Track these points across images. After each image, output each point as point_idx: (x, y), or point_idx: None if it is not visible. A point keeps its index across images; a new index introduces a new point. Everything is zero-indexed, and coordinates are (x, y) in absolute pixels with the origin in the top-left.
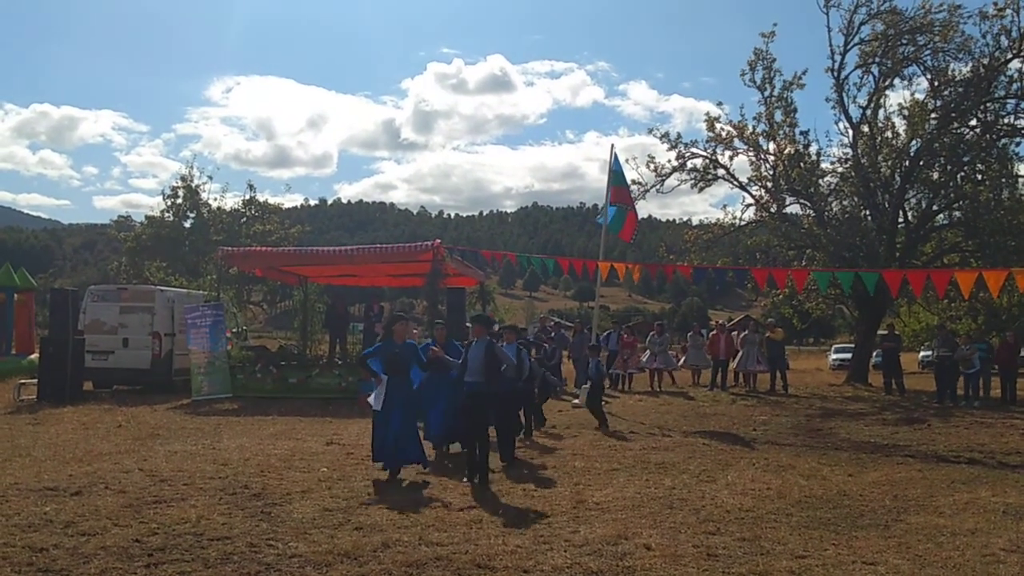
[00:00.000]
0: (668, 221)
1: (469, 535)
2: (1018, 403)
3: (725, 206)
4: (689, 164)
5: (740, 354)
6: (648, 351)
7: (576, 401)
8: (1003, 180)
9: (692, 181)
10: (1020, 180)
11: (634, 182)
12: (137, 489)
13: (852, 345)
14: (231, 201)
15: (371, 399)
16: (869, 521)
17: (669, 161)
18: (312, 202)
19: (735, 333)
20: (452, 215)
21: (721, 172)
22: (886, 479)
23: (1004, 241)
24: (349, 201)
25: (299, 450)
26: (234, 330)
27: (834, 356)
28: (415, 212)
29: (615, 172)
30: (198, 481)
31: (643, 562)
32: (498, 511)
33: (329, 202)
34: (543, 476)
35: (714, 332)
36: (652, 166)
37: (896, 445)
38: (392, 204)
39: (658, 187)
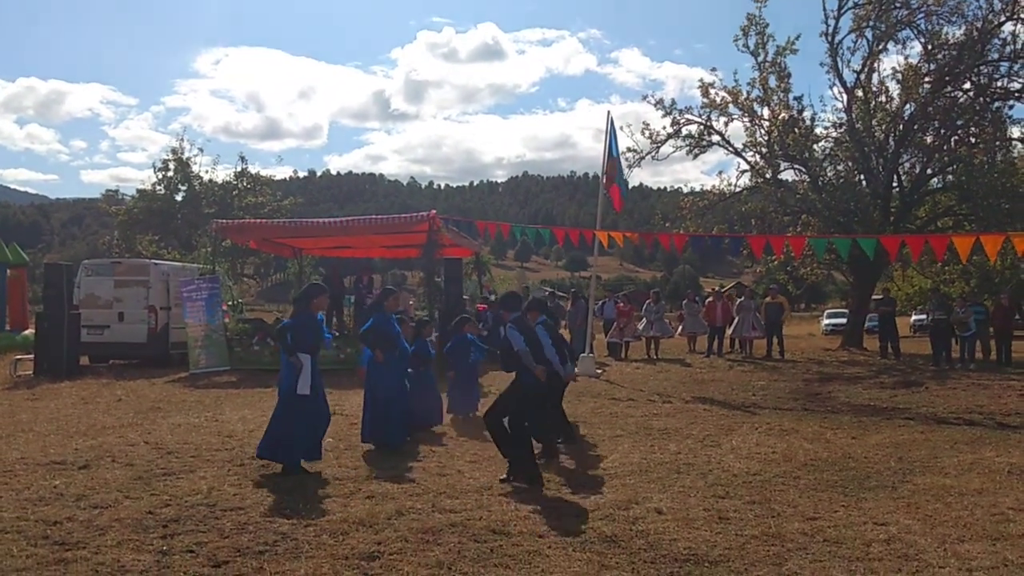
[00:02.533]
0: (660, 189)
1: (481, 502)
2: (1014, 364)
3: (720, 172)
4: (684, 131)
5: (736, 320)
6: (644, 319)
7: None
8: (997, 143)
9: (687, 148)
10: (1013, 143)
11: (629, 149)
12: (144, 462)
13: (845, 310)
14: (222, 173)
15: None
16: (876, 483)
17: (664, 128)
18: (302, 174)
19: (730, 300)
20: (442, 185)
21: (716, 138)
22: (890, 441)
23: (998, 204)
24: (339, 173)
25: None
26: (230, 303)
27: (827, 321)
28: (405, 183)
29: (611, 142)
30: (205, 453)
31: (656, 526)
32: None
33: (319, 174)
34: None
35: (710, 299)
36: (647, 133)
37: (896, 408)
38: (382, 175)
39: (653, 154)
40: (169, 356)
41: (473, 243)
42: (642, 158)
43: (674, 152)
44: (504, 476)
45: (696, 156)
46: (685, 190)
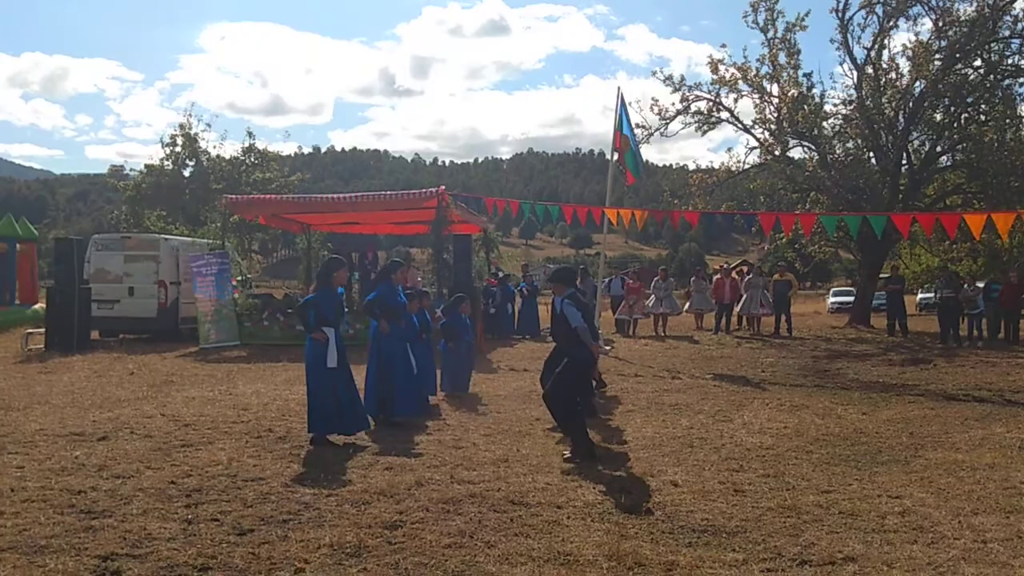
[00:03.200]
0: (666, 166)
1: (498, 474)
2: (1021, 342)
3: (729, 149)
4: (693, 107)
5: (744, 297)
6: (653, 296)
7: None
8: (1007, 121)
9: (696, 124)
10: (1023, 121)
11: (638, 126)
12: (162, 434)
13: (851, 289)
14: (230, 149)
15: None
16: (888, 457)
17: (673, 104)
18: (306, 150)
19: (739, 277)
20: (447, 162)
21: (725, 115)
22: (900, 417)
23: (1007, 182)
24: (343, 149)
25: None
26: (239, 278)
27: (833, 299)
28: (410, 160)
29: (620, 117)
30: (222, 425)
31: (672, 498)
32: (521, 453)
33: (323, 150)
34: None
35: (718, 276)
36: (656, 109)
37: (905, 385)
38: (387, 152)
39: (662, 130)
40: (179, 331)
41: (481, 220)
42: (651, 135)
43: (683, 129)
44: (568, 455)
45: (705, 133)
46: (691, 167)
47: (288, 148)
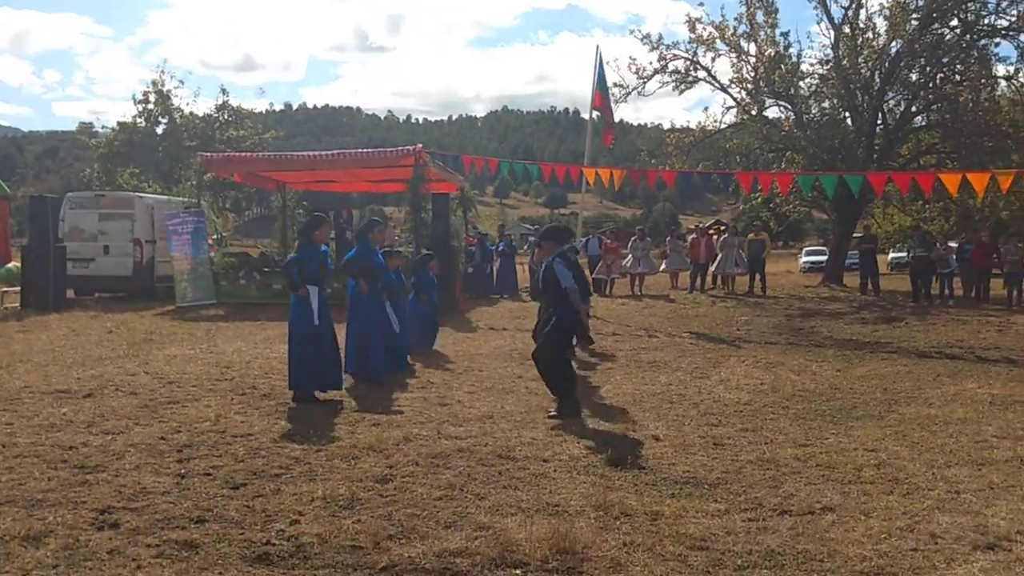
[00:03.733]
0: (640, 125)
1: (484, 429)
2: (991, 301)
3: (705, 108)
4: (670, 66)
5: (719, 257)
6: (630, 256)
7: None
8: (982, 81)
9: (673, 83)
10: (998, 81)
11: (615, 84)
12: (147, 391)
13: (823, 248)
14: (203, 106)
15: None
16: (863, 412)
17: (650, 63)
18: (278, 107)
19: (715, 236)
20: (421, 120)
21: (702, 74)
22: (874, 373)
23: (981, 142)
24: (316, 106)
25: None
26: (215, 237)
27: (805, 259)
28: (383, 117)
29: (599, 76)
30: (206, 383)
31: (655, 451)
32: (505, 409)
33: (295, 107)
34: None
35: (694, 236)
36: (634, 68)
37: (878, 342)
38: (360, 109)
39: (640, 90)
40: (155, 289)
41: (458, 178)
42: (628, 94)
43: (660, 88)
44: (552, 412)
45: (682, 92)
46: (665, 126)
47: (260, 105)
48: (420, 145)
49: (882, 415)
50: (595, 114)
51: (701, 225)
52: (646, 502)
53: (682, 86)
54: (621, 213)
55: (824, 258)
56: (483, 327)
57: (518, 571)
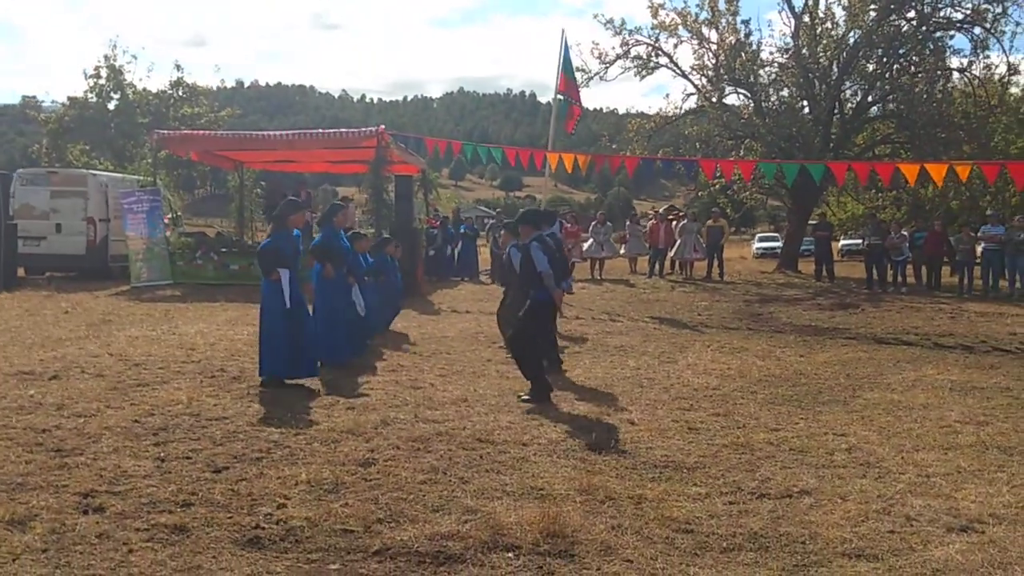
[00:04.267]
0: (595, 110)
1: (461, 413)
2: (942, 288)
3: (667, 95)
4: (633, 52)
5: (678, 243)
6: (591, 240)
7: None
8: (937, 73)
9: (635, 69)
10: (952, 73)
11: (578, 69)
12: (114, 373)
13: (775, 234)
14: (157, 82)
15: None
16: (829, 397)
17: (612, 48)
18: (229, 85)
19: (674, 222)
20: (375, 100)
21: (664, 60)
22: (836, 359)
23: (935, 133)
24: (267, 84)
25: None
26: (171, 216)
27: (758, 245)
28: (337, 96)
29: (565, 59)
30: (172, 365)
31: (631, 435)
32: (479, 393)
33: (247, 85)
34: (509, 360)
35: (653, 221)
36: (596, 53)
37: (836, 328)
38: (313, 87)
39: (602, 75)
40: (109, 269)
41: (419, 160)
42: (590, 79)
43: (622, 74)
44: (524, 396)
45: (643, 78)
46: (620, 112)
47: (211, 82)
48: (383, 126)
49: (847, 400)
50: (559, 98)
51: (660, 211)
52: (628, 486)
53: (644, 72)
54: (576, 197)
55: (777, 244)
56: (446, 310)
57: (510, 554)
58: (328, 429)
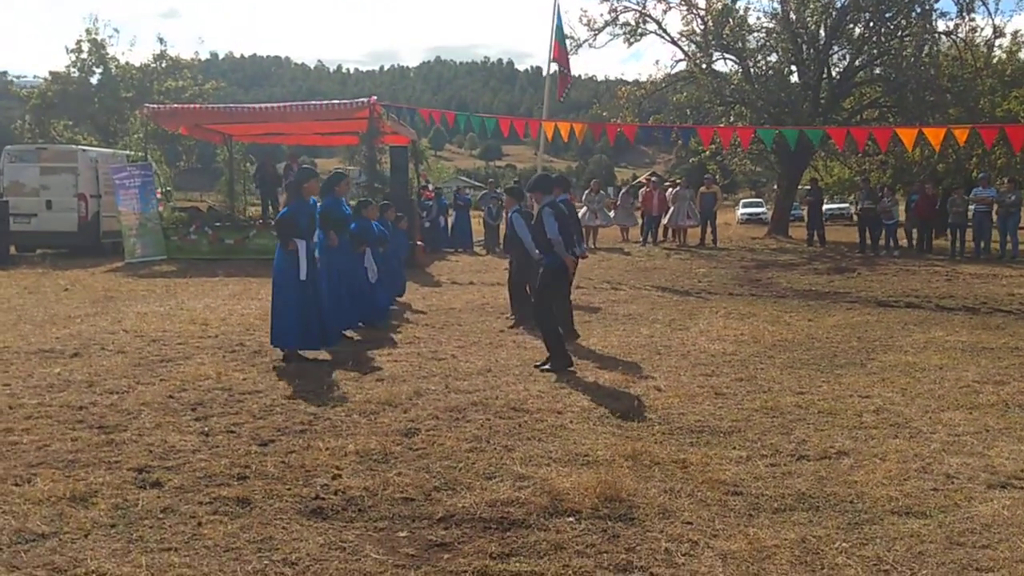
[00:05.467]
0: (576, 77)
1: (489, 383)
2: (934, 251)
3: (657, 61)
4: (621, 19)
5: (672, 209)
6: (586, 208)
7: None
8: (925, 36)
9: (624, 36)
10: (939, 36)
11: (567, 37)
12: (134, 349)
13: (759, 200)
14: (140, 56)
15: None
16: (845, 360)
17: (601, 15)
18: (203, 56)
19: (668, 189)
20: (352, 70)
21: (652, 27)
22: (845, 323)
23: (923, 96)
24: (242, 55)
25: (269, 309)
26: (162, 191)
27: (742, 211)
28: (312, 67)
29: (558, 28)
30: (190, 340)
31: (661, 402)
32: (501, 363)
33: (221, 56)
34: (522, 331)
35: (647, 189)
36: (585, 20)
37: (837, 292)
38: (288, 58)
39: (590, 42)
40: (101, 245)
41: (411, 131)
42: (579, 46)
43: (611, 41)
44: (545, 366)
45: (631, 44)
46: (600, 79)
47: (192, 54)
48: (375, 97)
49: (863, 363)
50: (553, 66)
51: (655, 179)
52: (670, 451)
53: (632, 39)
54: (556, 165)
55: (761, 210)
56: (446, 281)
57: (571, 519)
58: (364, 401)
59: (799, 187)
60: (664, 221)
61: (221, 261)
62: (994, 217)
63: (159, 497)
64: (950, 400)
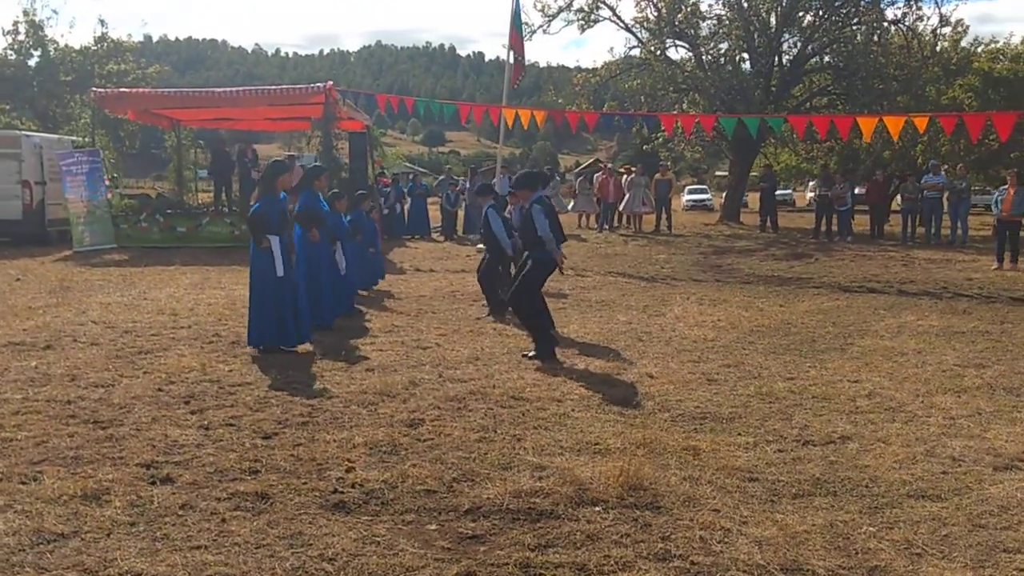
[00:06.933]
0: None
1: (482, 372)
2: (885, 236)
3: (611, 48)
4: (576, 4)
5: (627, 196)
6: None
7: (481, 245)
8: (874, 25)
9: (578, 22)
10: (888, 25)
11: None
12: (108, 341)
13: (704, 186)
14: (80, 38)
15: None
16: (824, 345)
17: (555, 1)
18: (136, 39)
19: (623, 176)
20: (290, 54)
21: (606, 13)
22: (816, 308)
23: (873, 84)
24: (177, 38)
25: (236, 298)
26: (111, 177)
27: (687, 197)
28: (250, 50)
29: (515, 14)
30: (164, 331)
31: (656, 389)
32: (487, 352)
33: (155, 39)
34: (502, 319)
35: (603, 176)
36: (539, 6)
37: (800, 278)
38: (225, 42)
39: (545, 28)
40: (47, 234)
41: (365, 117)
42: (533, 32)
43: (565, 27)
44: (532, 354)
45: (585, 30)
46: (542, 65)
47: (133, 36)
48: (331, 83)
49: (843, 348)
50: (510, 53)
51: (610, 166)
52: (678, 438)
53: (586, 25)
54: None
55: (706, 196)
56: (409, 268)
57: (598, 508)
58: (360, 392)
59: (751, 174)
60: (620, 208)
61: (175, 249)
62: (945, 204)
63: (174, 493)
64: (937, 384)
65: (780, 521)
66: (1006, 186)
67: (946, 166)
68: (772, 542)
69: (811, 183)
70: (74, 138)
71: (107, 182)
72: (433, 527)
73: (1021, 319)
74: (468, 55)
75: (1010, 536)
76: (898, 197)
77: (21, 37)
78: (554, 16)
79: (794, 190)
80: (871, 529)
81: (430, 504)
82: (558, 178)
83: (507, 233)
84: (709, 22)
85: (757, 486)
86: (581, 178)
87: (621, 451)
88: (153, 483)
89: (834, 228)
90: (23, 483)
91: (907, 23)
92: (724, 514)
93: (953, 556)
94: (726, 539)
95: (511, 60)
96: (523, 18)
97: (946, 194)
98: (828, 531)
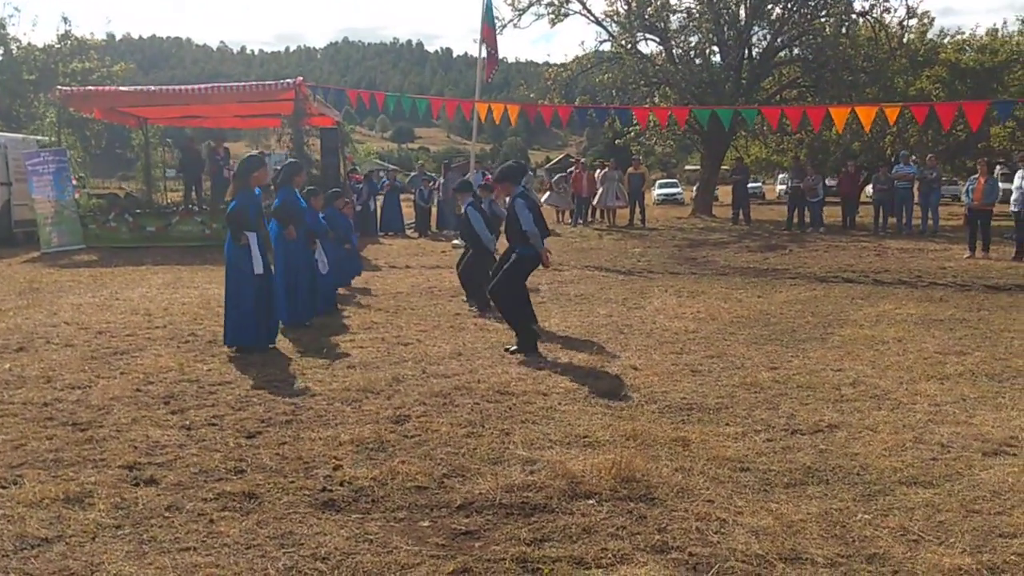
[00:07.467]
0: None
1: (465, 367)
2: (857, 227)
3: (582, 42)
4: None
5: (601, 191)
6: None
7: (456, 241)
8: (842, 17)
9: (549, 16)
10: (856, 16)
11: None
12: (82, 342)
13: (674, 180)
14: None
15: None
16: (805, 335)
17: None
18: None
19: (597, 171)
20: (256, 51)
21: (577, 7)
22: (794, 299)
23: (842, 75)
24: (141, 36)
25: (210, 297)
26: (78, 177)
27: (658, 191)
28: (215, 48)
29: (487, 8)
30: (139, 332)
31: (641, 380)
32: (469, 347)
33: (118, 38)
34: (480, 314)
35: (576, 171)
36: (509, 0)
37: (775, 269)
38: (189, 40)
39: (515, 22)
40: (13, 235)
41: (335, 113)
42: (504, 26)
43: (536, 21)
44: (513, 348)
45: (555, 24)
46: (510, 60)
47: (98, 34)
48: (301, 78)
49: (824, 337)
50: (483, 48)
51: (583, 161)
52: (667, 430)
53: (557, 19)
54: (470, 147)
55: (676, 190)
56: (384, 265)
57: (592, 501)
58: (342, 389)
59: (722, 167)
60: (594, 202)
61: (145, 249)
62: (915, 194)
63: (159, 495)
64: (919, 371)
65: (775, 511)
66: (976, 175)
67: (915, 157)
68: (769, 532)
69: (781, 176)
70: (40, 137)
71: (74, 182)
72: (426, 524)
73: (997, 306)
74: (436, 51)
75: (1004, 521)
76: (868, 188)
77: None
78: (524, 10)
79: (763, 183)
80: (866, 516)
81: (421, 500)
82: (531, 172)
83: (489, 230)
84: (679, 15)
85: (749, 476)
86: (558, 176)
87: (611, 443)
88: (137, 485)
89: (807, 219)
90: (3, 487)
91: (875, 15)
92: (719, 504)
93: (950, 542)
94: (723, 530)
95: (483, 54)
96: (494, 12)
97: (917, 184)
98: (824, 519)
